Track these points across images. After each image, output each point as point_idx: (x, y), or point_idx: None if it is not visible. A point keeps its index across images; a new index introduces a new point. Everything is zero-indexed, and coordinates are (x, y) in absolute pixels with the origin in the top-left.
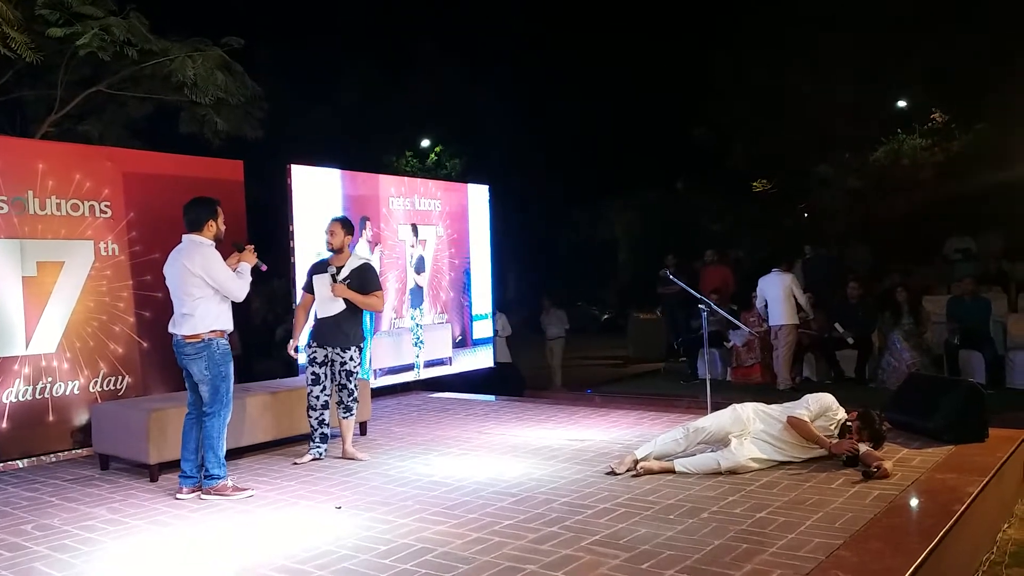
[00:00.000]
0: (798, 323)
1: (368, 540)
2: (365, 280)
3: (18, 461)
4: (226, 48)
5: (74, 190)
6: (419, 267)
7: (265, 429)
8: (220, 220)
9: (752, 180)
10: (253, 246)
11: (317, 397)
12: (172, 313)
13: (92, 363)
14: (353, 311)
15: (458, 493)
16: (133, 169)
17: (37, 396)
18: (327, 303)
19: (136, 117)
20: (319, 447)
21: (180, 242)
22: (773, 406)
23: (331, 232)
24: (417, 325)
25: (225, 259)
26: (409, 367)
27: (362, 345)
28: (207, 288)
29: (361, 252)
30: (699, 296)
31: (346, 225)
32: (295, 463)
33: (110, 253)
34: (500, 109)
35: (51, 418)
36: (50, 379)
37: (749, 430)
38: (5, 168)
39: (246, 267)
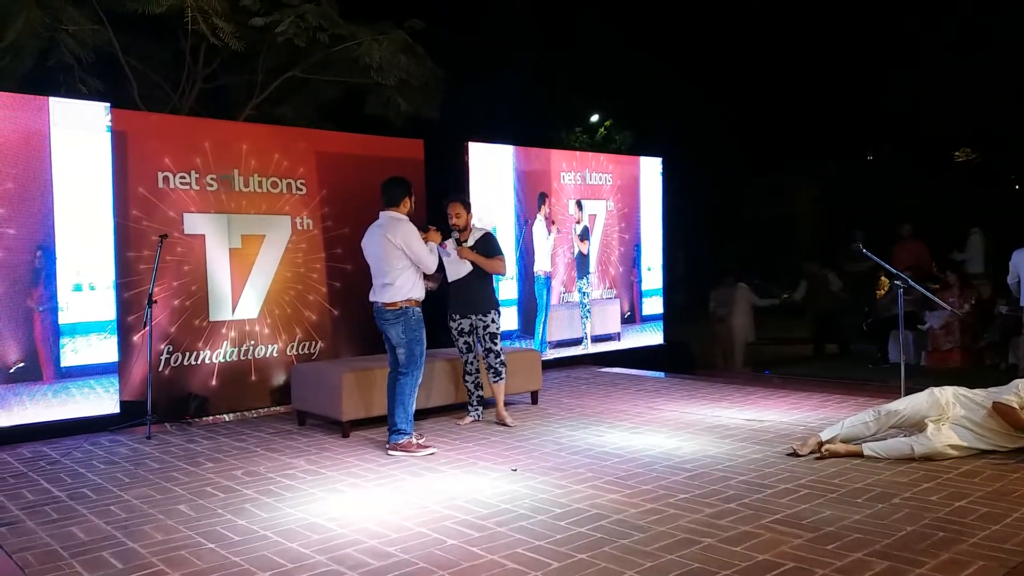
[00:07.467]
0: None
1: (543, 502)
2: (488, 246)
3: (225, 415)
4: (408, 30)
5: (273, 168)
6: (583, 235)
7: (446, 393)
8: (412, 198)
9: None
10: (436, 227)
11: (471, 363)
12: (364, 284)
13: (289, 328)
14: (481, 276)
15: (631, 464)
16: (324, 148)
17: (242, 357)
18: (455, 267)
19: (326, 100)
20: (477, 409)
21: (371, 217)
22: (976, 390)
23: (456, 214)
24: (584, 295)
25: None
26: (578, 341)
27: (500, 309)
28: (406, 260)
29: (538, 231)
30: (896, 272)
31: (467, 205)
32: (457, 423)
33: (305, 227)
34: (672, 80)
35: (253, 378)
36: (253, 342)
37: (948, 415)
38: (214, 148)
39: (432, 245)
